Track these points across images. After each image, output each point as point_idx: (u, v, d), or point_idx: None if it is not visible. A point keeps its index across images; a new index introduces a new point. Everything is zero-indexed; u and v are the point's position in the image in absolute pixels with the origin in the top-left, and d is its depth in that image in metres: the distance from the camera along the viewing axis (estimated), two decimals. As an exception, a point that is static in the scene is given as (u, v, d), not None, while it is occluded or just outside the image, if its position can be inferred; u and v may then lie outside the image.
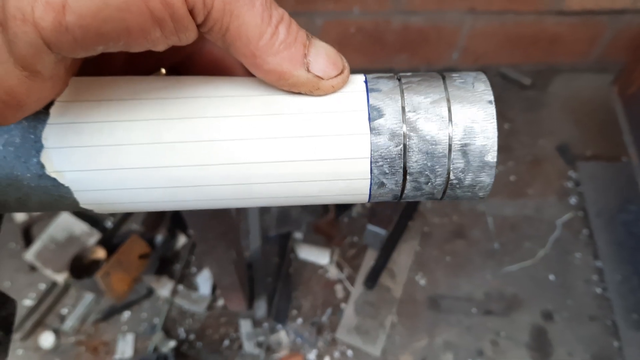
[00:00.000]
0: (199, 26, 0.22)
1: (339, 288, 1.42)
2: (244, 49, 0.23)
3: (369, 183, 0.27)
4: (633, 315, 1.34)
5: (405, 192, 0.27)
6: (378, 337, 1.34)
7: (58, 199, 0.26)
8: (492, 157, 0.26)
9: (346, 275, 1.43)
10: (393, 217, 1.46)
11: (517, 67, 1.68)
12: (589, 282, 1.42)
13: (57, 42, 0.19)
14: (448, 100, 0.26)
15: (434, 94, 0.26)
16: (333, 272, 1.44)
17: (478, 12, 1.49)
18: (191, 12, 0.21)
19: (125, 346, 1.33)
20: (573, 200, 1.53)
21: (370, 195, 0.27)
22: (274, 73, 0.24)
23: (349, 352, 1.32)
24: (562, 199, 1.54)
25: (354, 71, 0.27)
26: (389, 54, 1.61)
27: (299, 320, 1.37)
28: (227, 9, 0.22)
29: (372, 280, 1.40)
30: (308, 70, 0.25)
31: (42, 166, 0.25)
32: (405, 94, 0.26)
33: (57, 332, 1.36)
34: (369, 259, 1.45)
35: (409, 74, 0.28)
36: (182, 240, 1.50)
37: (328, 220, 1.49)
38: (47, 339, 1.34)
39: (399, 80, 0.27)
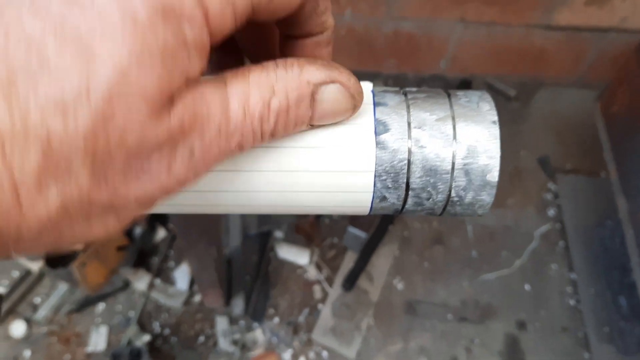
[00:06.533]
0: None
1: (317, 289, 1.42)
2: None
3: (372, 196, 0.27)
4: (604, 328, 1.36)
5: (406, 206, 0.27)
6: (354, 339, 1.34)
7: None
8: (493, 176, 0.26)
9: (325, 276, 1.43)
10: (374, 221, 1.46)
11: (503, 79, 1.70)
12: (563, 293, 1.44)
13: None
14: (453, 118, 0.26)
15: (440, 111, 0.26)
16: (312, 273, 1.44)
17: (468, 23, 1.51)
18: None
19: (99, 338, 1.32)
20: (551, 212, 1.55)
21: (371, 208, 0.28)
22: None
23: (324, 353, 1.33)
24: (540, 210, 1.56)
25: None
26: (378, 58, 1.61)
27: (276, 320, 1.37)
28: None
29: (350, 282, 1.40)
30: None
31: None
32: (411, 110, 0.26)
33: (29, 322, 1.34)
34: (348, 261, 1.45)
35: (414, 89, 0.28)
36: (161, 233, 1.49)
37: (309, 221, 1.49)
38: (18, 328, 1.32)
39: (405, 95, 0.27)
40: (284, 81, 0.22)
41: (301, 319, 1.37)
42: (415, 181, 0.26)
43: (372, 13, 1.49)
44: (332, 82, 0.23)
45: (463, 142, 0.26)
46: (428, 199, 0.27)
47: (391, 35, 1.55)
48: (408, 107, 0.26)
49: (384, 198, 0.27)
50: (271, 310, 1.38)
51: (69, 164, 0.16)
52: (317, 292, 1.41)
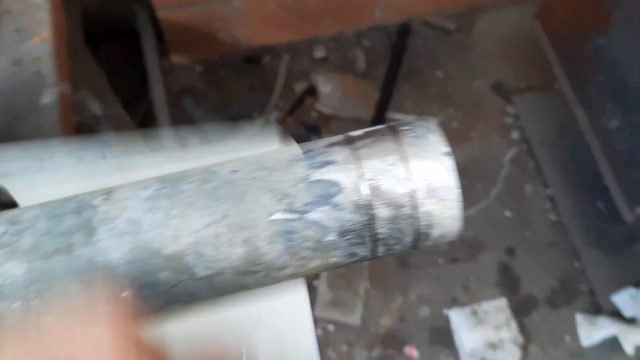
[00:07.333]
0: None
1: (308, 266, 1.42)
2: None
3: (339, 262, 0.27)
4: (589, 235, 1.40)
5: (377, 255, 0.27)
6: (355, 306, 1.36)
7: None
8: (455, 207, 0.25)
9: (313, 252, 1.44)
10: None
11: (441, 14, 1.68)
12: (543, 211, 1.47)
13: None
14: (405, 159, 0.25)
15: (390, 155, 0.25)
16: (299, 252, 1.44)
17: (393, -34, 1.48)
18: None
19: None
20: (515, 135, 1.57)
21: (343, 265, 0.27)
22: None
23: (330, 327, 1.34)
24: (504, 135, 1.57)
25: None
26: (313, 23, 1.57)
27: (276, 306, 1.38)
28: None
29: (338, 252, 1.41)
30: None
31: None
32: (362, 161, 0.25)
33: None
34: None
35: (359, 132, 0.27)
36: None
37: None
38: None
39: (351, 143, 0.26)
40: None
41: (300, 299, 1.38)
42: (380, 232, 0.26)
43: (296, -21, 1.45)
44: None
45: (420, 182, 0.25)
46: (397, 244, 0.27)
47: (320, -3, 1.51)
48: (358, 158, 0.26)
49: (353, 254, 0.26)
50: (269, 298, 1.39)
51: None
52: (309, 269, 1.42)
